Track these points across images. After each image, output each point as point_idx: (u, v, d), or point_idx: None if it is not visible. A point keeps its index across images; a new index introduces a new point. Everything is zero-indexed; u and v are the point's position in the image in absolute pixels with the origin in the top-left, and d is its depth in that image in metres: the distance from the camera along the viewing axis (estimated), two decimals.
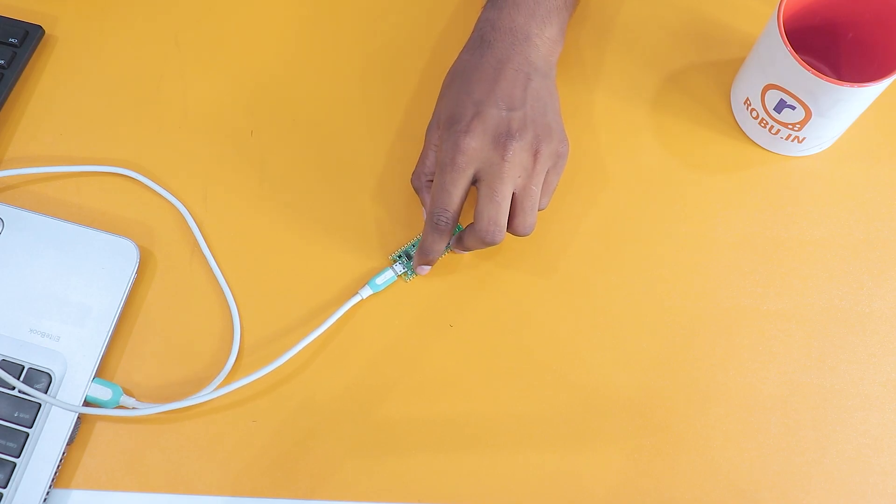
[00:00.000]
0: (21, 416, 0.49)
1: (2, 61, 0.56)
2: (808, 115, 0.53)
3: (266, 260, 0.54)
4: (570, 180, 0.56)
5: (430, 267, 0.51)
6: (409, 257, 0.53)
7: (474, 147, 0.48)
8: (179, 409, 0.50)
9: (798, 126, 0.54)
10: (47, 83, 0.57)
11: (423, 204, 0.51)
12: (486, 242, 0.48)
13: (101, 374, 0.51)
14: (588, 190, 0.56)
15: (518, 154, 0.48)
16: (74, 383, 0.50)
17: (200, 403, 0.50)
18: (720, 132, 0.58)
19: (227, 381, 0.51)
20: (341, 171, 0.56)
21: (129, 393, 0.51)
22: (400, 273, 0.54)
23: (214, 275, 0.53)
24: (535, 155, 0.48)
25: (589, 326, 0.53)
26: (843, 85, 0.49)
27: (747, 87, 0.55)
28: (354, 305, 0.53)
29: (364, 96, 0.57)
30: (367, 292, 0.53)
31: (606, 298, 0.54)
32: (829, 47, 0.56)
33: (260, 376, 0.50)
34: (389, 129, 0.57)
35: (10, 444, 0.48)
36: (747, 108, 0.56)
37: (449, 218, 0.48)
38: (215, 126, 0.57)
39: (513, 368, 0.52)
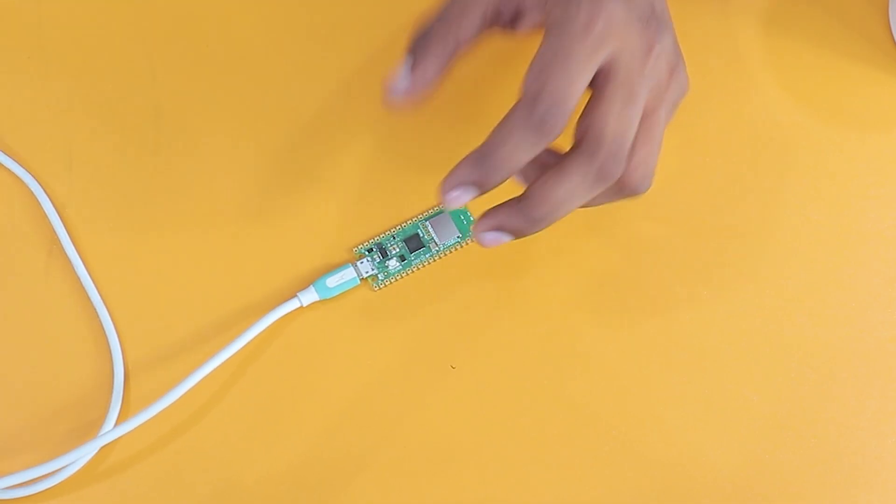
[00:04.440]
0: None
1: None
2: None
3: (165, 264, 0.51)
4: None
5: (469, 194, 0.43)
6: (383, 253, 0.48)
7: (619, 19, 0.43)
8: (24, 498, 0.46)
9: None
10: None
11: None
12: (608, 175, 0.43)
13: None
14: (666, 156, 0.50)
15: (662, 55, 0.44)
16: None
17: (59, 484, 0.46)
18: (878, 67, 0.55)
19: (100, 458, 0.47)
20: (278, 124, 0.52)
21: None
22: (366, 275, 0.48)
23: (83, 286, 0.49)
24: (672, 72, 0.45)
25: (669, 370, 0.49)
26: None
27: None
28: (292, 318, 0.49)
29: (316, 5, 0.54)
30: (310, 297, 0.48)
31: (696, 327, 0.50)
32: None
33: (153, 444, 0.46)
34: (353, 56, 0.53)
35: None
36: None
37: (561, 116, 0.42)
38: (86, 60, 0.54)
39: (552, 433, 0.48)
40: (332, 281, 0.48)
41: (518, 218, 0.44)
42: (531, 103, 0.42)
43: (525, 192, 0.44)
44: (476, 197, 0.43)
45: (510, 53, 0.52)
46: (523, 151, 0.42)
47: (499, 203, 0.44)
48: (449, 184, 0.43)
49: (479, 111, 0.51)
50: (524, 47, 0.52)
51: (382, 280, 0.48)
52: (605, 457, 0.47)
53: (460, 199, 0.43)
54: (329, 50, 0.53)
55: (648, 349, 0.49)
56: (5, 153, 0.50)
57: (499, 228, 0.44)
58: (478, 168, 0.43)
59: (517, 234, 0.44)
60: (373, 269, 0.48)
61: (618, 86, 0.44)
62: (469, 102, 0.51)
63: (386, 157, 0.51)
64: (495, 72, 0.52)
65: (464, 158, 0.43)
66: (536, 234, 0.49)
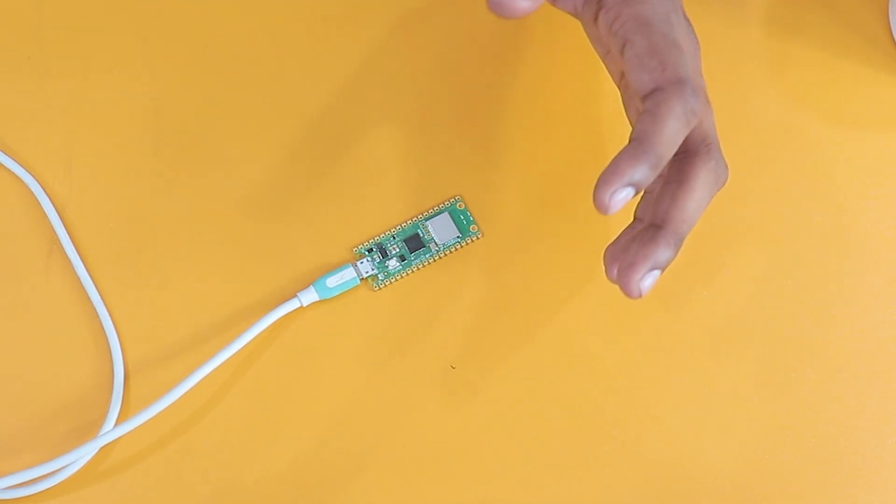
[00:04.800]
0: None
1: None
2: None
3: (165, 264, 0.50)
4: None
5: (632, 194, 0.40)
6: (383, 253, 0.48)
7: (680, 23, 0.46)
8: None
9: None
10: None
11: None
12: (722, 173, 0.44)
13: None
14: None
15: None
16: None
17: (59, 484, 0.46)
18: (878, 67, 0.54)
19: (100, 458, 0.46)
20: (278, 124, 0.52)
21: None
22: (366, 275, 0.48)
23: (83, 286, 0.49)
24: None
25: (669, 370, 0.49)
26: None
27: None
28: (292, 319, 0.48)
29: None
30: (310, 297, 0.48)
31: (696, 327, 0.49)
32: None
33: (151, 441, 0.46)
34: (353, 56, 0.53)
35: None
36: None
37: (701, 94, 0.43)
38: (86, 60, 0.53)
39: (552, 433, 0.48)
40: (332, 281, 0.47)
41: (668, 247, 0.42)
42: (681, 86, 0.41)
43: (658, 219, 0.42)
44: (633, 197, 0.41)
45: (509, 55, 0.52)
46: (680, 135, 0.41)
47: (628, 250, 0.43)
48: (612, 184, 0.40)
49: (479, 112, 0.51)
50: (521, 49, 0.53)
51: (382, 280, 0.48)
52: (605, 457, 0.47)
53: (625, 200, 0.40)
54: (329, 50, 0.53)
55: (648, 349, 0.48)
56: (5, 153, 0.50)
57: (654, 267, 0.42)
58: (642, 161, 0.40)
59: (668, 264, 0.42)
60: (373, 269, 0.48)
61: (697, 89, 0.44)
62: (469, 103, 0.51)
63: (386, 158, 0.51)
64: (494, 72, 0.52)
65: (621, 156, 0.40)
66: (536, 234, 0.50)
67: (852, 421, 0.47)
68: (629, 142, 0.40)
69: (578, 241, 0.50)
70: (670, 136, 0.40)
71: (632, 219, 0.45)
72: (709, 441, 0.47)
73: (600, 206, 0.40)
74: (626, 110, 0.45)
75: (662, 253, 0.41)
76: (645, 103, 0.41)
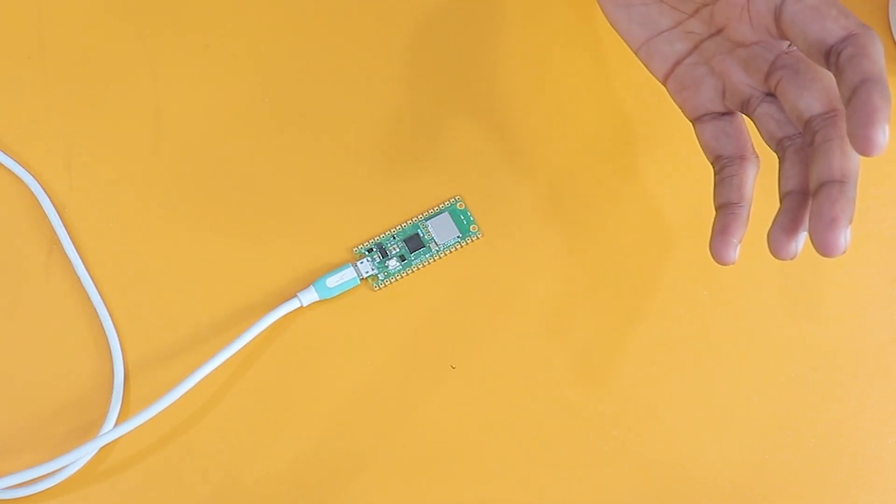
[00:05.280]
0: None
1: None
2: None
3: (165, 264, 0.50)
4: (647, 135, 0.50)
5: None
6: (383, 253, 0.48)
7: None
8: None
9: None
10: None
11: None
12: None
13: None
14: (665, 157, 0.51)
15: None
16: None
17: (59, 484, 0.45)
18: None
19: (100, 458, 0.46)
20: (277, 124, 0.51)
21: None
22: (366, 275, 0.48)
23: (83, 286, 0.48)
24: None
25: (669, 370, 0.49)
26: None
27: None
28: (292, 319, 0.48)
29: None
30: (310, 297, 0.48)
31: (696, 328, 0.49)
32: None
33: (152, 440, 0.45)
34: (353, 55, 0.52)
35: None
36: None
37: None
38: (85, 57, 0.53)
39: (552, 433, 0.48)
40: (332, 281, 0.47)
41: (853, 200, 0.41)
42: (870, 29, 0.41)
43: (835, 176, 0.41)
44: None
45: (510, 56, 0.52)
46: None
47: (819, 214, 0.41)
48: (883, 122, 0.38)
49: (479, 111, 0.51)
50: (522, 50, 0.53)
51: (382, 280, 0.48)
52: (605, 457, 0.46)
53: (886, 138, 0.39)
54: (329, 50, 0.52)
55: (648, 349, 0.48)
56: (5, 153, 0.50)
57: (851, 220, 0.41)
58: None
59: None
60: (373, 269, 0.47)
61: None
62: (469, 103, 0.51)
63: (386, 157, 0.50)
64: (495, 73, 0.51)
65: (870, 96, 0.39)
66: (538, 235, 0.50)
67: (852, 421, 0.47)
68: (857, 89, 0.39)
69: (578, 242, 0.49)
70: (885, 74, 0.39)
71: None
72: (709, 441, 0.47)
73: (876, 139, 0.38)
74: (679, 100, 0.45)
75: (852, 205, 0.40)
76: (846, 49, 0.39)
